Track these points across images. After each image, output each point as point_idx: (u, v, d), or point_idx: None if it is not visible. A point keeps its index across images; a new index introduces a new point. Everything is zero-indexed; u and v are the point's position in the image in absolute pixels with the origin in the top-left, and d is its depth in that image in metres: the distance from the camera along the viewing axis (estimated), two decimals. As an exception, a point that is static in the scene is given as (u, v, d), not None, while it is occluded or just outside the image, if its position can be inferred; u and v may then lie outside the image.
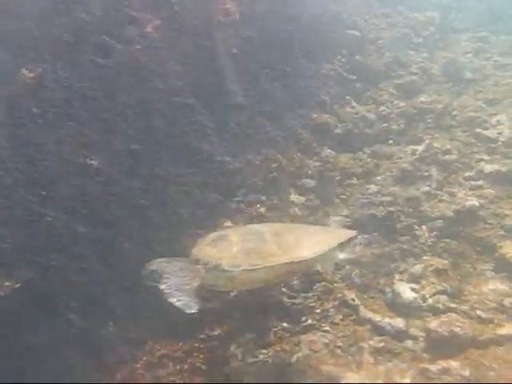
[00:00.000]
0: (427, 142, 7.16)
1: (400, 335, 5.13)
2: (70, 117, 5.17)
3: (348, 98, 8.16)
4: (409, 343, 5.04)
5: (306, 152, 7.07)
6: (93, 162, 5.22)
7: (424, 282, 5.60)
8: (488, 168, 6.60)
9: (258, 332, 5.36)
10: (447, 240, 5.99)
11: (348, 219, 6.34)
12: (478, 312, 5.15)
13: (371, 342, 5.06)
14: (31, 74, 5.10)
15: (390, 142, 7.70)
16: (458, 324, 4.87)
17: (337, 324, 5.44)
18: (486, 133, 7.21)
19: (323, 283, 5.74)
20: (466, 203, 6.16)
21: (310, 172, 6.85)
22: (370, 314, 5.40)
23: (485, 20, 10.33)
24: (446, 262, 5.76)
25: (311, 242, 4.44)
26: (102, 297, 5.09)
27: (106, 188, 5.23)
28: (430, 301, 5.37)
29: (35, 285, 4.90)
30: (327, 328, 5.41)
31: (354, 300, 5.59)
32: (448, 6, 10.55)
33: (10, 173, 4.91)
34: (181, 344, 5.19)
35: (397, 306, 5.46)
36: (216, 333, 5.28)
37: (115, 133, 5.40)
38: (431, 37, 9.83)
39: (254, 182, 6.33)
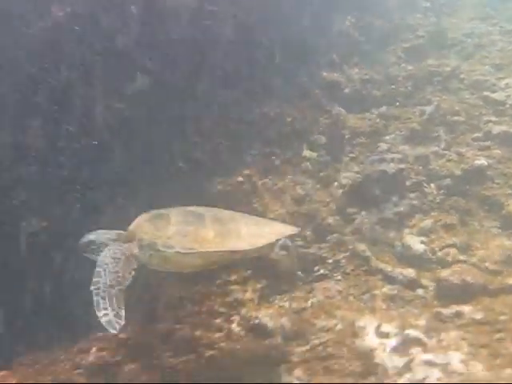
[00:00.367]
0: (435, 103, 7.23)
1: (411, 284, 5.29)
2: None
3: (357, 58, 8.14)
4: (420, 291, 5.20)
5: (317, 109, 7.08)
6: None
7: (433, 236, 5.75)
8: (496, 129, 6.72)
9: (271, 279, 5.45)
10: (455, 198, 6.13)
11: (359, 175, 6.41)
12: (487, 264, 5.29)
13: (384, 290, 5.19)
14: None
15: (398, 103, 7.72)
16: (468, 274, 4.98)
17: (348, 274, 5.60)
18: (494, 96, 7.32)
19: (335, 235, 5.82)
20: (474, 162, 6.26)
21: (321, 129, 6.87)
22: (381, 265, 5.51)
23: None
24: (454, 217, 5.83)
25: (250, 234, 4.35)
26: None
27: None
28: (440, 254, 5.52)
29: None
30: (339, 277, 5.55)
31: (364, 251, 5.69)
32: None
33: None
34: (199, 286, 5.25)
35: (407, 258, 5.61)
36: (232, 278, 5.33)
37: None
38: (437, 1, 9.83)
39: (269, 135, 6.36)
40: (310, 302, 5.20)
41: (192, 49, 5.58)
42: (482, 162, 6.29)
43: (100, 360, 4.76)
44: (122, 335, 4.86)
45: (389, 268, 5.47)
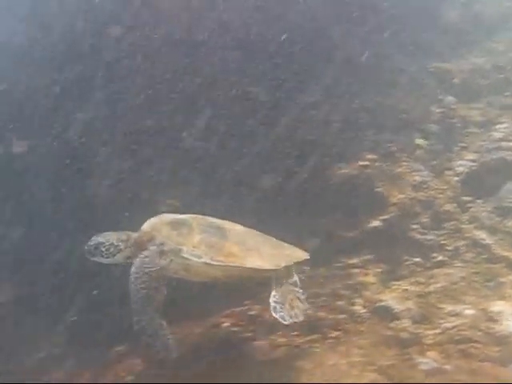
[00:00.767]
0: (547, 92, 6.95)
1: (542, 273, 5.11)
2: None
3: (465, 48, 8.00)
4: (553, 281, 5.00)
5: (428, 98, 7.05)
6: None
7: (558, 228, 5.53)
8: None
9: (390, 265, 5.49)
10: None
11: (474, 163, 6.31)
12: None
13: (511, 277, 5.07)
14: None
15: (507, 93, 7.50)
16: None
17: (469, 261, 5.51)
18: None
19: (453, 222, 5.78)
20: None
21: (432, 118, 6.82)
22: (504, 253, 5.39)
23: None
24: None
25: (271, 254, 4.35)
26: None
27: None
28: None
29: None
30: (460, 264, 5.47)
31: (484, 239, 5.60)
32: None
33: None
34: (321, 269, 5.37)
35: (529, 248, 5.43)
36: (352, 262, 5.41)
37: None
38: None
39: (384, 122, 6.40)
40: (432, 287, 5.14)
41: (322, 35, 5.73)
42: None
43: (231, 335, 4.91)
44: (251, 312, 5.02)
45: (512, 256, 5.30)
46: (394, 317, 4.86)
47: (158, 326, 3.84)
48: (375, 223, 5.60)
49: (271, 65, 6.02)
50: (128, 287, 3.97)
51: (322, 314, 5.13)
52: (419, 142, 6.54)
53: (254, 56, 6.19)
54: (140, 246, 4.20)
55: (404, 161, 6.19)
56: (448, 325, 4.58)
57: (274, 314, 4.08)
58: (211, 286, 4.71)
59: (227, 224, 4.46)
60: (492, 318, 4.48)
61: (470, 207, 6.00)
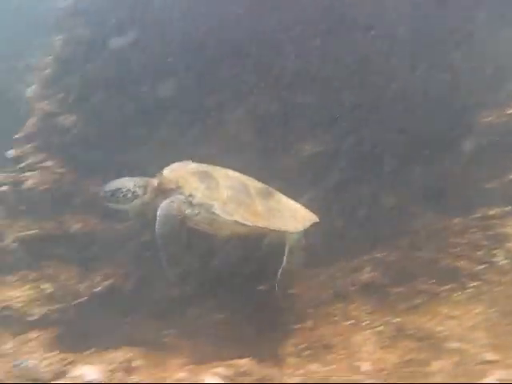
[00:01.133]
0: None
1: None
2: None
3: None
4: None
5: None
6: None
7: None
8: None
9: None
10: None
11: None
12: None
13: None
14: None
15: None
16: None
17: None
18: None
19: None
20: None
21: None
22: None
23: None
24: None
25: (291, 216, 4.36)
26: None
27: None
28: None
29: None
30: None
31: None
32: None
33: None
34: (457, 220, 5.42)
35: None
36: (492, 213, 5.39)
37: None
38: None
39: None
40: None
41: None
42: None
43: (371, 280, 5.17)
44: (390, 258, 5.23)
45: None
46: (539, 269, 4.75)
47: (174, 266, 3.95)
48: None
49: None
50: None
51: (460, 263, 5.19)
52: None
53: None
54: (163, 192, 4.20)
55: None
56: None
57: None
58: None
59: (247, 179, 4.45)
60: None
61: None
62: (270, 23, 5.55)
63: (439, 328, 4.32)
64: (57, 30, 6.41)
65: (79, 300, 5.41)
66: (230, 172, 4.44)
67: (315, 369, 3.81)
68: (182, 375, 3.67)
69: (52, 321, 5.41)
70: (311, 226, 4.53)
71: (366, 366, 3.87)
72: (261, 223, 4.09)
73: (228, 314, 5.10)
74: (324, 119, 5.53)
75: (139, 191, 4.22)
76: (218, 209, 4.00)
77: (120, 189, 4.18)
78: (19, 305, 5.39)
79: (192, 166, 4.37)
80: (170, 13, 5.59)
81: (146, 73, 5.60)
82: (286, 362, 4.06)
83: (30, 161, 5.79)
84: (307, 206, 4.83)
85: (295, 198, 4.92)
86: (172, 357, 4.27)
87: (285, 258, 4.37)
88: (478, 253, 5.21)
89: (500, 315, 4.25)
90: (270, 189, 4.60)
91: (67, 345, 5.03)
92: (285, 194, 4.89)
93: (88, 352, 4.59)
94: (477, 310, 4.43)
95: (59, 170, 5.73)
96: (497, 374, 3.28)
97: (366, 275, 5.30)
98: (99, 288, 5.49)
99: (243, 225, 4.05)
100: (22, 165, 5.75)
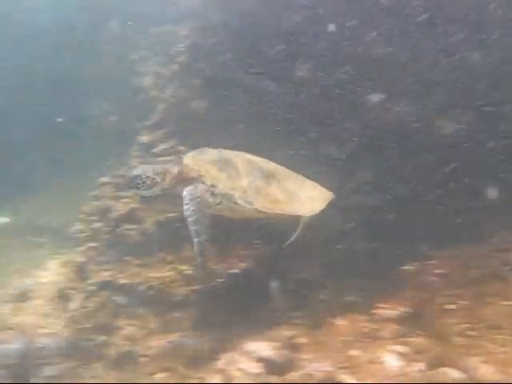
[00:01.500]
0: None
1: None
2: None
3: None
4: None
5: None
6: None
7: None
8: None
9: None
10: None
11: None
12: None
13: None
14: None
15: None
16: None
17: None
18: None
19: None
20: None
21: None
22: None
23: None
24: None
25: (307, 197, 4.46)
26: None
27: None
28: None
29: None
30: None
31: None
32: None
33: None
34: None
35: None
36: None
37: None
38: None
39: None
40: None
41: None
42: None
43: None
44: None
45: None
46: None
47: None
48: None
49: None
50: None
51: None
52: None
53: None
54: (184, 181, 4.31)
55: None
56: None
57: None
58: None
59: (264, 162, 4.56)
60: None
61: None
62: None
63: None
64: (174, 21, 6.52)
65: (218, 281, 5.45)
66: (248, 156, 4.53)
67: (492, 349, 3.71)
68: (357, 353, 3.66)
69: (193, 301, 5.46)
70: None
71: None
72: (279, 209, 4.26)
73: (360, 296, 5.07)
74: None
75: (158, 178, 4.30)
76: (238, 198, 4.17)
77: (139, 176, 4.26)
78: (162, 285, 5.50)
79: (211, 153, 4.47)
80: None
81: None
82: (453, 341, 3.97)
83: (162, 146, 5.89)
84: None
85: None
86: (331, 334, 4.24)
87: (295, 233, 4.60)
88: None
89: None
90: (288, 170, 4.69)
91: (212, 324, 5.12)
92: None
93: (241, 331, 4.64)
94: None
95: (192, 155, 5.78)
96: None
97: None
98: (236, 270, 5.53)
99: (263, 212, 4.23)
100: (155, 150, 5.86)
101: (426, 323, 4.22)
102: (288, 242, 4.64)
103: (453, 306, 4.52)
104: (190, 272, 5.60)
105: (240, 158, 4.45)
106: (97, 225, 6.11)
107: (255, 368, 3.91)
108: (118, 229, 5.81)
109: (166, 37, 8.35)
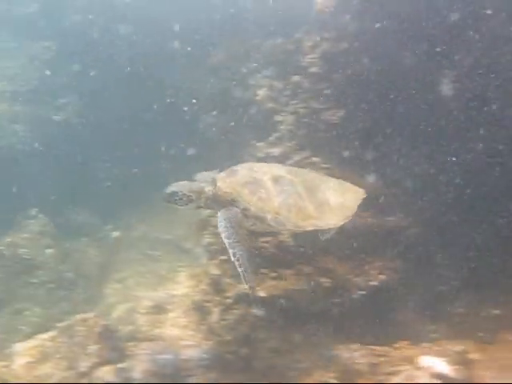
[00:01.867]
0: None
1: None
2: None
3: None
4: None
5: None
6: None
7: None
8: None
9: None
10: None
11: None
12: None
13: None
14: None
15: None
16: None
17: None
18: None
19: None
20: None
21: None
22: None
23: None
24: None
25: (338, 203, 4.54)
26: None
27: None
28: None
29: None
30: None
31: None
32: None
33: None
34: None
35: None
36: None
37: None
38: None
39: None
40: None
41: None
42: None
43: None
44: None
45: None
46: None
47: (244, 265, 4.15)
48: None
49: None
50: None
51: None
52: None
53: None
54: (219, 203, 4.49)
55: None
56: None
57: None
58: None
59: (294, 175, 4.62)
60: None
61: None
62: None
63: None
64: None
65: (358, 293, 5.33)
66: (277, 171, 4.65)
67: None
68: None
69: (333, 313, 5.37)
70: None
71: None
72: (311, 225, 4.39)
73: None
74: None
75: (193, 196, 4.48)
76: (271, 221, 4.32)
77: (176, 192, 4.45)
78: (301, 298, 5.44)
79: (242, 173, 4.57)
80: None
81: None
82: None
83: (295, 158, 5.85)
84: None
85: None
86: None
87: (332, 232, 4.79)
88: None
89: None
90: (317, 177, 4.82)
91: (359, 336, 4.99)
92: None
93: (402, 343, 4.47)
94: None
95: (325, 166, 5.72)
96: None
97: None
98: (375, 282, 5.39)
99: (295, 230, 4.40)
100: (290, 162, 5.84)
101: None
102: (324, 238, 4.82)
103: None
104: (328, 284, 5.46)
105: (269, 175, 4.56)
106: (229, 238, 6.09)
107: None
108: (255, 242, 5.77)
109: (277, 49, 8.36)
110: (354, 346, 4.72)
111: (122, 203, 9.61)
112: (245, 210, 4.40)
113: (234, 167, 4.68)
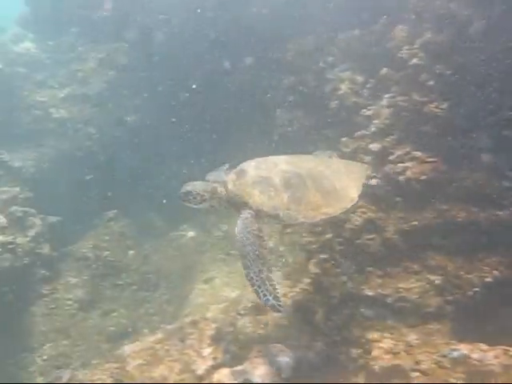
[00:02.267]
0: None
1: None
2: None
3: None
4: None
5: None
6: None
7: None
8: None
9: None
10: None
11: None
12: None
13: None
14: None
15: None
16: None
17: None
18: None
19: None
20: None
21: None
22: None
23: None
24: None
25: (345, 186, 4.78)
26: None
27: None
28: None
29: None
30: None
31: None
32: None
33: None
34: None
35: None
36: None
37: None
38: None
39: None
40: None
41: None
42: None
43: None
44: None
45: None
46: None
47: (266, 278, 4.23)
48: None
49: None
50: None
51: None
52: None
53: None
54: (232, 205, 4.77)
55: None
56: None
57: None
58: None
59: (298, 167, 4.80)
60: None
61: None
62: None
63: None
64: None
65: (473, 290, 5.13)
66: (282, 166, 4.81)
67: None
68: None
69: (448, 312, 5.18)
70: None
71: None
72: (322, 214, 4.58)
73: None
74: None
75: (207, 195, 4.73)
76: (283, 217, 4.52)
77: (191, 192, 4.71)
78: (414, 296, 5.26)
79: (250, 173, 4.74)
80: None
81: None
82: None
83: (398, 153, 5.67)
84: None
85: None
86: None
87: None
88: None
89: None
90: (320, 163, 5.02)
91: (473, 335, 4.78)
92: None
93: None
94: None
95: (430, 160, 5.51)
96: None
97: None
98: (489, 278, 5.17)
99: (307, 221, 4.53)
100: (392, 158, 5.66)
101: None
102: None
103: None
104: (440, 282, 5.28)
105: (275, 170, 4.73)
106: (328, 236, 5.98)
107: None
108: (357, 240, 5.63)
109: (355, 41, 8.17)
110: (483, 347, 4.47)
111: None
112: (257, 211, 4.59)
113: (242, 166, 4.85)
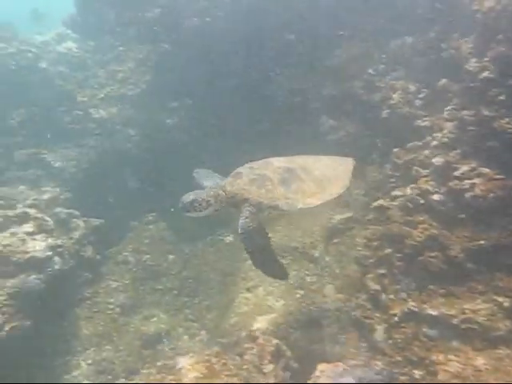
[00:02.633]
0: None
1: None
2: None
3: None
4: None
5: None
6: None
7: None
8: None
9: None
10: None
11: None
12: None
13: None
14: None
15: None
16: None
17: None
18: None
19: None
20: None
21: None
22: None
23: None
24: None
25: (335, 176, 5.08)
26: None
27: None
28: None
29: None
30: None
31: None
32: None
33: None
34: None
35: None
36: None
37: None
38: None
39: None
40: None
41: None
42: None
43: None
44: None
45: None
46: None
47: (273, 260, 4.71)
48: None
49: None
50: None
51: None
52: None
53: None
54: (233, 204, 4.86)
55: None
56: None
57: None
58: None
59: (289, 162, 5.08)
60: None
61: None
62: None
63: None
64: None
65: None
66: (274, 163, 5.06)
67: None
68: None
69: (517, 336, 4.99)
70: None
71: None
72: (318, 200, 4.82)
73: None
74: None
75: (211, 200, 4.81)
76: (283, 206, 4.72)
77: (196, 199, 4.75)
78: (481, 318, 5.09)
79: (245, 173, 4.95)
80: None
81: None
82: None
83: (464, 168, 5.48)
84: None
85: None
86: None
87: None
88: None
89: None
90: (309, 159, 5.29)
91: None
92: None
93: None
94: None
95: (498, 177, 5.32)
96: None
97: None
98: None
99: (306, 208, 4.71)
100: (456, 173, 5.48)
101: None
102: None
103: None
104: (508, 305, 5.09)
105: (269, 167, 4.98)
106: (387, 251, 5.82)
107: None
108: (419, 256, 5.46)
109: (407, 49, 7.97)
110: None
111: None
112: (258, 204, 4.75)
113: (238, 170, 5.03)
